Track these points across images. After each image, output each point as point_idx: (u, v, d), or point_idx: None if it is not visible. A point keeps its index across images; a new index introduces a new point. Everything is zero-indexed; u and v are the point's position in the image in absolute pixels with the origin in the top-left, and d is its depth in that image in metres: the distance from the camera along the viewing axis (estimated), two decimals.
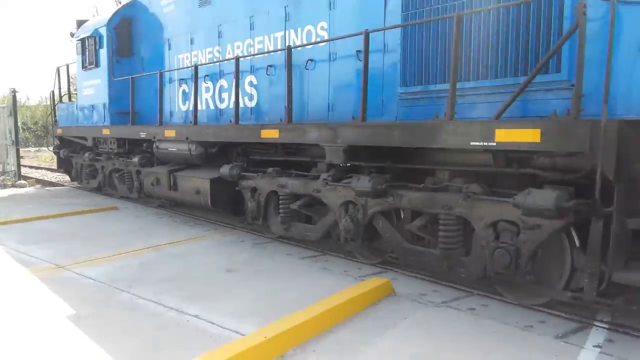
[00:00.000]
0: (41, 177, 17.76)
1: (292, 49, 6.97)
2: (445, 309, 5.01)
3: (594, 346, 4.14)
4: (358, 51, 6.39)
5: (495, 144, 4.63)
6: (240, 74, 8.34)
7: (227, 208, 8.79)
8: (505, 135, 4.55)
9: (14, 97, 16.87)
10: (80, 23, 13.24)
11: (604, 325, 4.54)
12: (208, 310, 4.88)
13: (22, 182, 15.70)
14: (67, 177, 15.68)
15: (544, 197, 4.43)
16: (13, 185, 15.32)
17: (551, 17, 4.69)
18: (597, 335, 4.38)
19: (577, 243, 4.66)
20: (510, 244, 4.80)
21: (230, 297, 5.28)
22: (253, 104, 8.41)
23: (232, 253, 7.17)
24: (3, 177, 15.90)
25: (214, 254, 7.16)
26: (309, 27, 7.26)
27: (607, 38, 4.40)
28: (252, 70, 8.32)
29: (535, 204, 4.46)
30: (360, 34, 5.87)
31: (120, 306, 5.08)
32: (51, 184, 16.09)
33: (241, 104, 8.52)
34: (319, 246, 7.27)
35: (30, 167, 21.05)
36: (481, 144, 4.73)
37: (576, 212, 4.43)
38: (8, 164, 16.53)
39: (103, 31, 11.59)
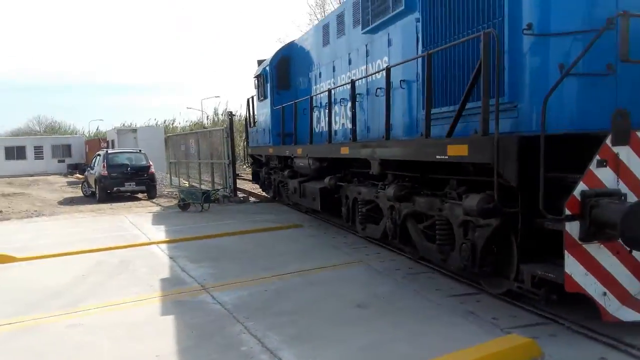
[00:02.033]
0: (261, 192, 18.74)
1: (356, 81, 8.61)
2: None
3: None
4: (401, 81, 7.70)
5: (447, 157, 5.67)
6: (344, 101, 10.16)
7: (332, 211, 10.54)
8: (453, 150, 5.58)
9: (231, 120, 18.74)
10: (259, 62, 16.22)
11: None
12: (304, 356, 4.53)
13: (238, 197, 17.53)
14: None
15: (473, 200, 5.36)
16: (229, 201, 17.00)
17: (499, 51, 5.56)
18: None
19: None
20: (470, 239, 5.74)
21: (339, 341, 4.82)
22: (351, 125, 10.06)
23: (376, 283, 6.73)
24: (220, 192, 17.37)
25: (356, 283, 6.80)
26: (378, 61, 8.72)
27: (535, 66, 5.25)
28: (350, 98, 9.98)
29: (469, 205, 5.41)
30: (383, 70, 7.22)
31: (221, 342, 4.95)
32: (267, 198, 17.12)
33: (346, 126, 10.28)
34: (474, 281, 6.43)
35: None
36: (442, 157, 5.79)
37: (507, 214, 5.25)
38: (228, 178, 17.91)
39: (268, 69, 14.31)
